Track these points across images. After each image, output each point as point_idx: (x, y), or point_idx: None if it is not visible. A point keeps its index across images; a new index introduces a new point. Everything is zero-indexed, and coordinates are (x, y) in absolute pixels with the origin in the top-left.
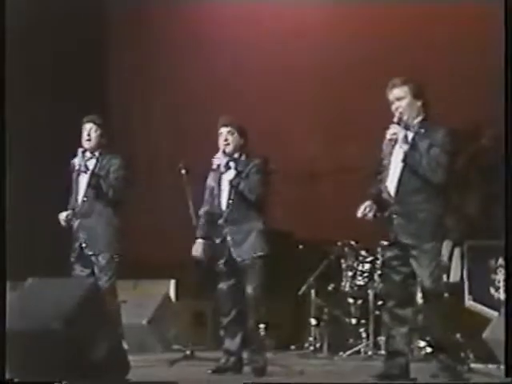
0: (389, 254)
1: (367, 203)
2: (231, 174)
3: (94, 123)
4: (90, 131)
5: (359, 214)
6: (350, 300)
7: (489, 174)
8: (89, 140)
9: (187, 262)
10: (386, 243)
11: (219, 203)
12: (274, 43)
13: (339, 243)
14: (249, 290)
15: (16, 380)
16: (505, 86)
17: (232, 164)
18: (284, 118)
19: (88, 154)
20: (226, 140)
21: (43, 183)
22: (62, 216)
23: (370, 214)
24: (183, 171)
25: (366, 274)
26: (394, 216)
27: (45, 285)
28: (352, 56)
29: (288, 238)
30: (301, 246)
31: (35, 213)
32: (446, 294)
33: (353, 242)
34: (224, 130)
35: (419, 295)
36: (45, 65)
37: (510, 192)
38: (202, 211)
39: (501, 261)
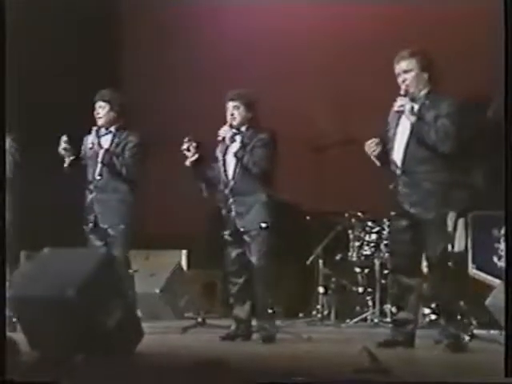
0: (396, 224)
1: (375, 139)
2: (236, 146)
3: (103, 100)
4: (99, 109)
5: (366, 147)
6: (357, 269)
7: (494, 145)
8: (100, 118)
9: (198, 233)
10: (392, 213)
11: (225, 174)
12: (281, 17)
13: (346, 214)
14: (254, 259)
15: (16, 380)
16: (505, 83)
17: (238, 137)
18: (291, 90)
19: (103, 131)
20: (232, 114)
21: (57, 157)
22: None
23: (377, 150)
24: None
25: (372, 244)
26: (400, 186)
27: (60, 254)
28: (359, 29)
29: (296, 209)
30: (308, 217)
31: (52, 188)
32: (450, 263)
33: (360, 213)
34: (230, 105)
35: (425, 264)
36: (55, 38)
37: (509, 164)
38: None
39: (504, 230)
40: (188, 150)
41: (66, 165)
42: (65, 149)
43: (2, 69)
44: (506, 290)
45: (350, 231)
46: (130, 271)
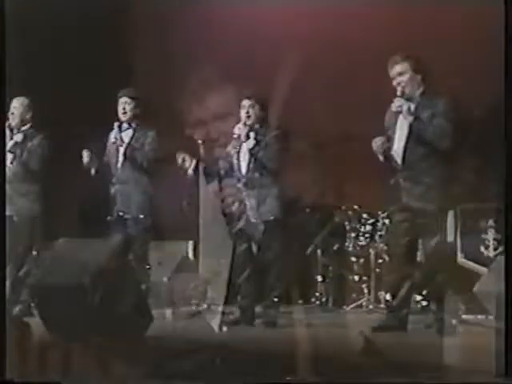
0: (395, 216)
1: (381, 137)
2: (251, 143)
3: (128, 97)
4: (124, 105)
5: (374, 146)
6: (353, 259)
7: (483, 142)
8: (124, 113)
9: (204, 224)
10: (392, 207)
11: (239, 169)
12: (282, 18)
13: (343, 207)
14: (260, 251)
15: (16, 380)
16: (505, 83)
17: (252, 134)
18: (292, 88)
19: (125, 125)
20: (247, 112)
21: (76, 152)
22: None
23: (383, 147)
24: (200, 141)
25: (367, 235)
26: (401, 180)
27: (75, 245)
28: (360, 28)
29: (297, 202)
30: (308, 210)
31: (71, 181)
32: (443, 253)
33: (356, 206)
34: (246, 103)
35: (419, 253)
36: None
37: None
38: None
39: (491, 222)
40: (184, 161)
41: (93, 173)
42: (89, 162)
43: (2, 68)
44: (506, 291)
45: (346, 223)
46: (148, 261)
